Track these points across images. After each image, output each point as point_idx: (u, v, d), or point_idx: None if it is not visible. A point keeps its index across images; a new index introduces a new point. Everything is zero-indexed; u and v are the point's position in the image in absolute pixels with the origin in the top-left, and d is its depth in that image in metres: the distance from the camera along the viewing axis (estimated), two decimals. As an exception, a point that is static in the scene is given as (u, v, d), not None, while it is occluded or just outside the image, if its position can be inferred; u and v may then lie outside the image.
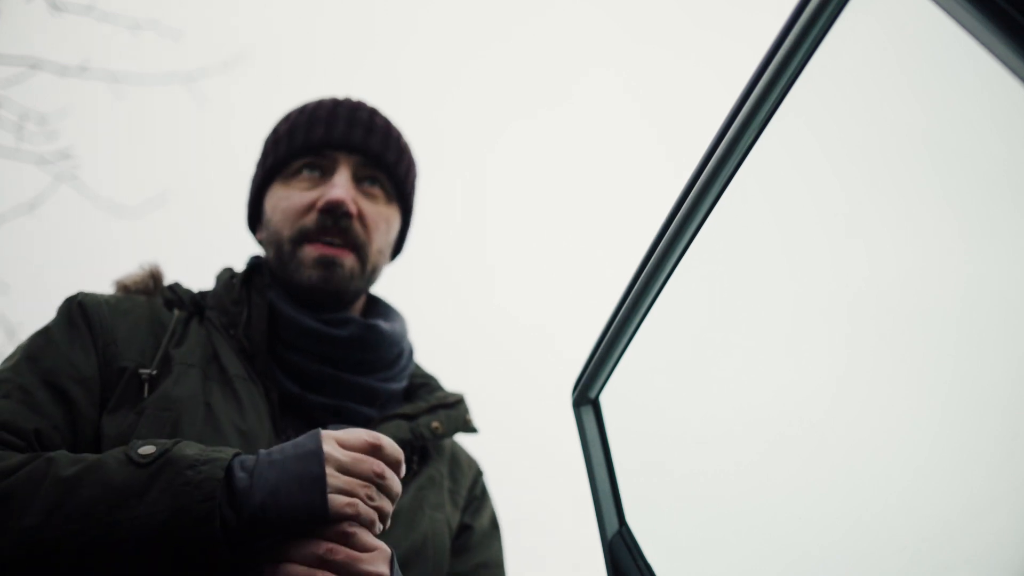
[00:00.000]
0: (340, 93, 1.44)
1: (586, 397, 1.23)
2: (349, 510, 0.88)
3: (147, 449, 0.91)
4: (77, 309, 1.16)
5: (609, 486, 1.18)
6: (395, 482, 0.95)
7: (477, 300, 5.21)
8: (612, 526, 1.16)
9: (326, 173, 1.33)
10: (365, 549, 0.90)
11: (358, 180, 1.34)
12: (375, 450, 0.94)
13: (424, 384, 1.38)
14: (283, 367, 1.24)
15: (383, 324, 1.32)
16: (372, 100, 1.44)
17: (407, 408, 1.29)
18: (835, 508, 0.78)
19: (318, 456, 0.90)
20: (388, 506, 0.94)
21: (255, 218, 1.43)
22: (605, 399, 1.22)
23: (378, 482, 0.92)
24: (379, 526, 0.93)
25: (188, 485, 0.86)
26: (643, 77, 5.40)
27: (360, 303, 1.39)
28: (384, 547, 0.93)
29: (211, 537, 0.84)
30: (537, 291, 5.27)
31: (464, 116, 5.43)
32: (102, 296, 1.21)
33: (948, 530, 0.65)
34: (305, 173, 1.33)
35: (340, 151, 1.33)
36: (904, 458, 0.70)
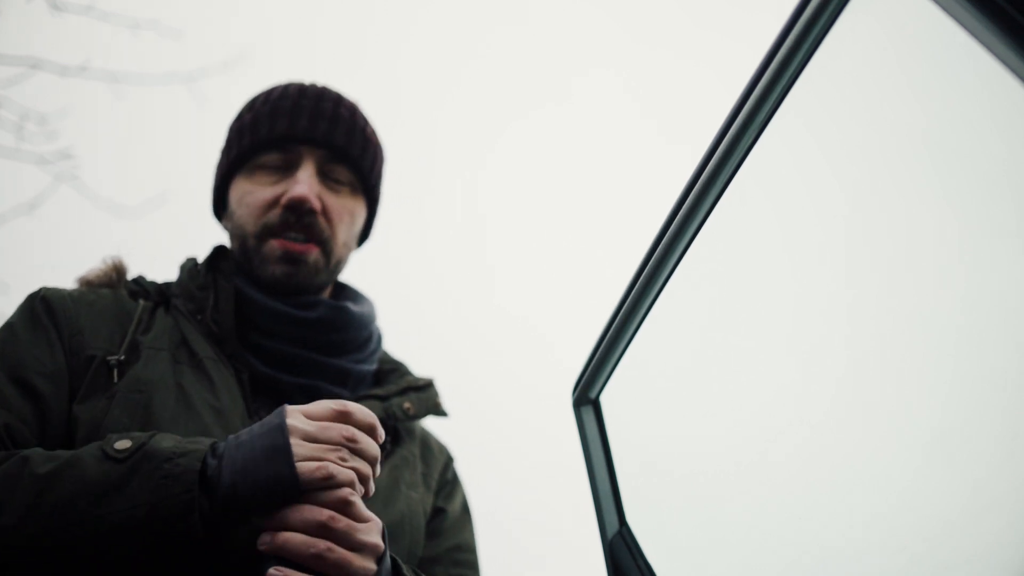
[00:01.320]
0: (307, 78, 1.41)
1: (586, 397, 1.23)
2: (319, 474, 0.88)
3: (123, 444, 0.91)
4: (40, 304, 1.16)
5: (609, 486, 1.18)
6: (369, 444, 0.95)
7: (477, 300, 5.21)
8: (612, 526, 1.16)
9: (290, 167, 1.32)
10: (361, 520, 0.91)
11: (322, 174, 1.33)
12: (343, 416, 0.94)
13: (394, 369, 1.38)
14: (253, 350, 1.24)
15: (352, 306, 1.33)
16: (336, 86, 1.41)
17: (378, 390, 1.30)
18: (835, 508, 0.78)
19: (281, 429, 0.91)
20: (365, 467, 0.94)
21: (220, 206, 1.42)
22: (605, 399, 1.22)
23: (349, 445, 0.93)
24: (360, 488, 0.93)
25: (167, 478, 0.87)
26: (643, 77, 5.40)
27: (328, 291, 1.40)
28: (376, 519, 0.94)
29: (191, 528, 0.85)
30: (537, 291, 5.27)
31: (464, 116, 5.43)
32: (65, 290, 1.21)
33: (948, 530, 0.65)
34: (269, 167, 1.32)
35: (304, 144, 1.32)
36: (904, 458, 0.70)
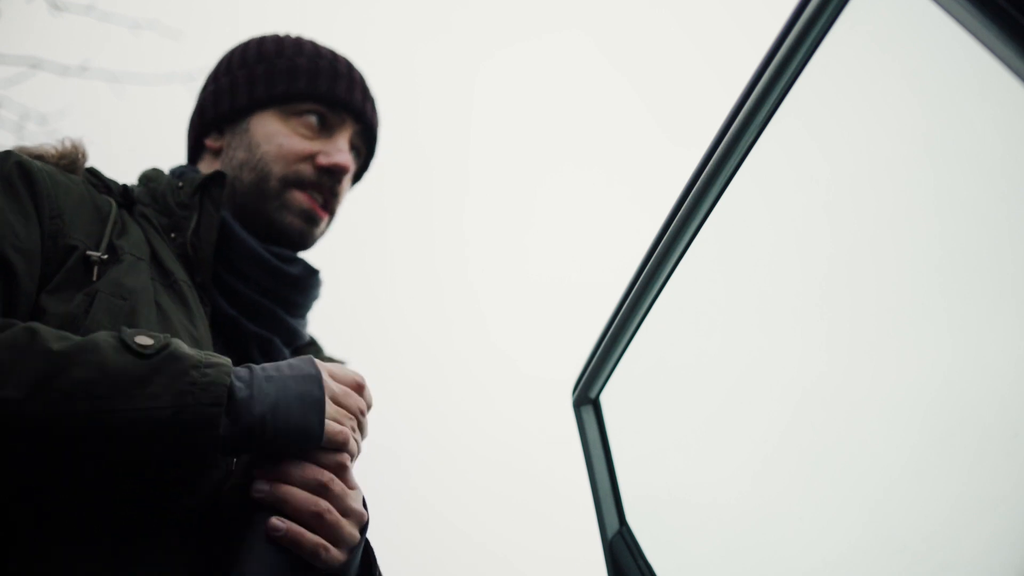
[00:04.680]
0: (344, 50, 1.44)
1: (586, 397, 1.23)
2: (340, 438, 0.89)
3: (144, 340, 0.86)
4: (17, 170, 1.03)
5: (609, 486, 1.19)
6: (367, 423, 0.98)
7: (478, 300, 5.21)
8: (612, 526, 1.16)
9: (328, 128, 1.33)
10: (352, 487, 0.92)
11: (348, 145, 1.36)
12: (360, 389, 0.96)
13: (311, 343, 1.37)
14: (221, 288, 1.20)
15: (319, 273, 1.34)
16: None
17: None
18: (835, 508, 0.78)
19: (318, 380, 0.91)
20: (361, 443, 0.96)
21: (219, 123, 1.37)
22: (605, 399, 1.22)
23: (360, 419, 0.94)
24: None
25: (195, 385, 0.83)
26: (645, 78, 5.41)
27: None
28: (360, 488, 0.94)
29: (210, 441, 0.82)
30: (539, 291, 5.27)
31: (464, 114, 5.43)
32: (39, 163, 1.08)
33: (948, 530, 0.65)
34: (310, 119, 1.32)
35: (350, 115, 1.34)
36: (905, 458, 0.70)
